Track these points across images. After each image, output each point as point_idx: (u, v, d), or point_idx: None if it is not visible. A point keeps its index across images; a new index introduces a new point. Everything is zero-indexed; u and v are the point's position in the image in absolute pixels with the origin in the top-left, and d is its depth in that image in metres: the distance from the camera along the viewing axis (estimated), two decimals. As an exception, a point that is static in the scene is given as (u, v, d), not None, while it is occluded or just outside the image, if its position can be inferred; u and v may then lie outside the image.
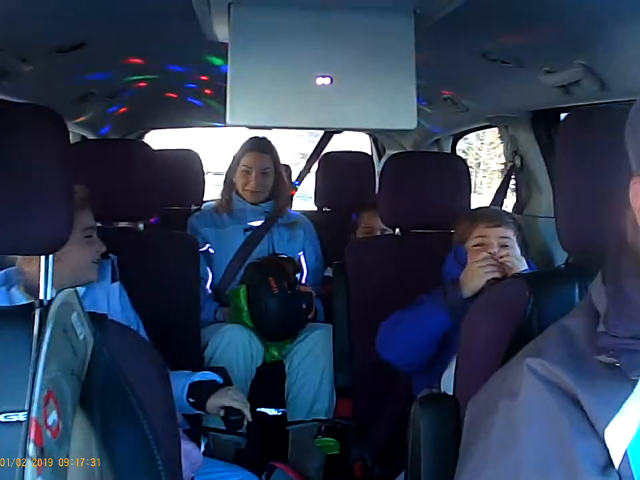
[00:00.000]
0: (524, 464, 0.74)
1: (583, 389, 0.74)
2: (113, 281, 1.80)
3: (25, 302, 1.38)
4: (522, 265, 1.82)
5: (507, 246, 1.87)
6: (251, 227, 2.69)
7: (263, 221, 2.70)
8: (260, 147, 2.73)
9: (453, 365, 1.68)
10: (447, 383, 1.67)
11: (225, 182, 2.77)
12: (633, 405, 0.74)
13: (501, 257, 1.82)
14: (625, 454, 0.72)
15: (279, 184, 2.74)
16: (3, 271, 1.65)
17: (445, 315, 1.80)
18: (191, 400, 1.71)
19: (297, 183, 3.53)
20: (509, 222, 1.93)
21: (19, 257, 1.61)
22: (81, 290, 1.68)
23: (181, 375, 1.73)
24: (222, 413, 1.71)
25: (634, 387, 0.75)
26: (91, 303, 1.70)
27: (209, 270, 2.62)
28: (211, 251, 2.65)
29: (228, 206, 2.70)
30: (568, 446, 0.73)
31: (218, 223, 2.68)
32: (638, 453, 0.72)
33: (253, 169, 2.68)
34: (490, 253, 1.85)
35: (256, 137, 2.80)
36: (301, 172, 3.66)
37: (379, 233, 2.77)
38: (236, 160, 2.74)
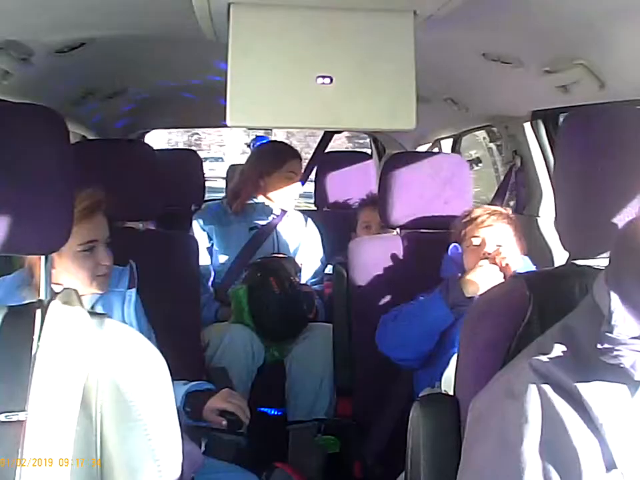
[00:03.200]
0: (526, 464, 0.74)
1: (586, 391, 0.74)
2: (130, 287, 1.77)
3: None
4: (519, 265, 1.83)
5: (503, 245, 1.87)
6: (256, 226, 2.69)
7: (268, 220, 2.70)
8: (298, 154, 2.79)
9: (451, 366, 1.68)
10: (449, 382, 1.67)
11: (247, 182, 2.72)
12: (636, 405, 0.74)
13: (498, 258, 1.82)
14: (628, 454, 0.72)
15: None
16: (14, 274, 1.64)
17: (446, 309, 1.80)
18: (187, 409, 1.70)
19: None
20: (504, 221, 1.93)
21: (27, 258, 1.60)
22: (95, 295, 1.67)
23: (175, 384, 1.69)
24: (224, 422, 1.69)
25: (638, 388, 0.75)
26: (105, 308, 1.67)
27: (211, 268, 2.62)
28: (215, 248, 2.64)
29: (239, 205, 2.69)
30: (570, 446, 0.73)
31: (223, 221, 2.68)
32: None
33: (298, 175, 2.73)
34: (487, 253, 1.85)
35: (285, 143, 2.83)
36: (302, 174, 3.66)
37: (378, 228, 2.78)
38: (278, 164, 2.68)
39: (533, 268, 1.88)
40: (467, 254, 1.92)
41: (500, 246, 1.87)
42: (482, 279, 1.79)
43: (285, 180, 2.69)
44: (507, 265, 1.79)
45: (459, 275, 1.86)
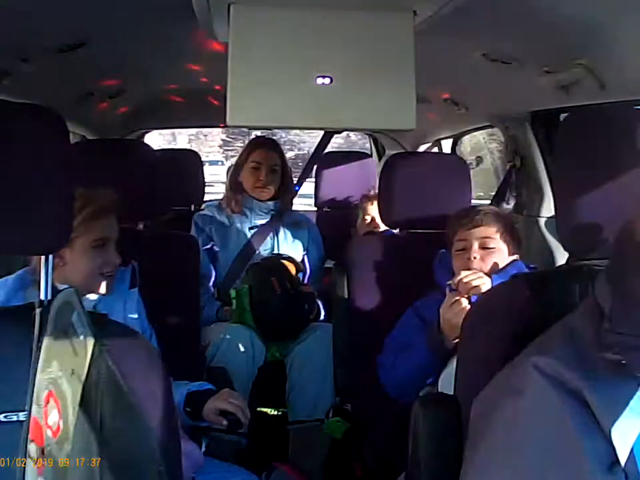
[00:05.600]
0: (529, 462, 0.74)
1: (588, 388, 0.74)
2: (132, 287, 1.78)
3: None
4: (506, 262, 1.82)
5: (488, 248, 1.84)
6: (256, 226, 2.69)
7: (267, 220, 2.71)
8: (269, 144, 2.74)
9: (449, 366, 1.68)
10: (444, 383, 1.67)
11: (230, 180, 2.76)
12: (638, 402, 0.74)
13: (472, 282, 1.75)
14: (632, 451, 0.72)
15: (285, 183, 2.75)
16: (16, 274, 1.64)
17: (434, 359, 1.76)
18: (188, 409, 1.70)
19: (297, 188, 3.52)
20: (489, 220, 1.88)
21: (34, 257, 1.60)
22: (96, 295, 1.67)
23: (177, 385, 1.68)
24: (224, 422, 1.70)
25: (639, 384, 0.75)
26: (106, 308, 1.67)
27: (212, 268, 2.62)
28: (216, 249, 2.64)
29: (234, 205, 2.70)
30: (573, 445, 0.73)
31: (223, 221, 2.68)
32: None
33: (263, 166, 2.67)
34: (470, 259, 1.82)
35: (263, 135, 2.81)
36: (300, 174, 3.67)
37: (380, 222, 2.79)
38: (243, 157, 2.72)
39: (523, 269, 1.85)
40: (454, 259, 1.90)
41: (484, 248, 1.84)
42: (460, 314, 1.67)
43: (252, 171, 2.68)
44: (478, 286, 1.73)
45: (438, 323, 1.77)
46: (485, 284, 1.73)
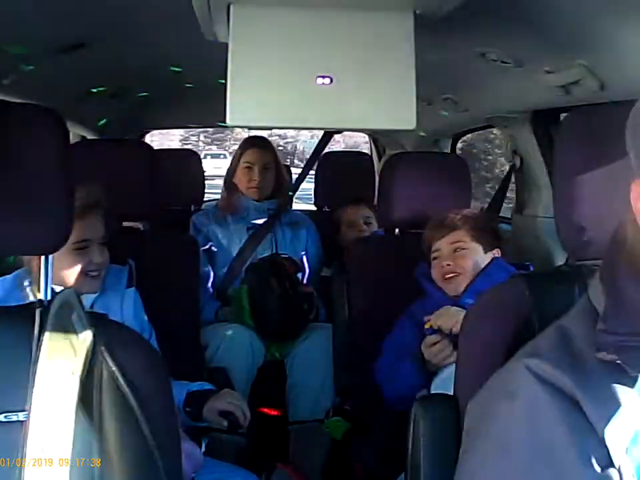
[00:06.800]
0: (522, 466, 0.73)
1: (582, 390, 0.74)
2: (129, 286, 1.77)
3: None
4: (484, 262, 1.85)
5: (460, 251, 1.87)
6: (254, 225, 2.69)
7: (265, 219, 2.71)
8: (260, 143, 2.75)
9: (444, 370, 1.69)
10: (439, 386, 1.68)
11: (225, 182, 2.77)
12: (633, 403, 0.74)
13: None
14: (626, 453, 0.72)
15: (280, 181, 2.75)
16: (14, 273, 1.64)
17: (423, 377, 1.77)
18: (188, 409, 1.70)
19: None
20: (456, 224, 1.91)
21: (27, 259, 1.60)
22: (93, 295, 1.67)
23: (177, 385, 1.68)
24: (225, 423, 1.70)
25: (634, 385, 0.75)
26: (103, 307, 1.67)
27: (210, 269, 2.63)
28: (214, 249, 2.65)
29: (230, 205, 2.70)
30: (566, 447, 0.72)
31: (221, 221, 2.68)
32: (638, 451, 0.72)
33: (255, 165, 2.68)
34: (444, 265, 1.86)
35: (255, 135, 2.81)
36: (300, 174, 3.67)
37: (364, 226, 2.80)
38: (236, 158, 2.74)
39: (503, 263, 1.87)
40: (432, 268, 1.94)
41: (460, 253, 1.87)
42: (439, 356, 1.72)
43: (244, 171, 2.69)
44: (457, 322, 1.68)
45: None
46: (462, 316, 1.73)
